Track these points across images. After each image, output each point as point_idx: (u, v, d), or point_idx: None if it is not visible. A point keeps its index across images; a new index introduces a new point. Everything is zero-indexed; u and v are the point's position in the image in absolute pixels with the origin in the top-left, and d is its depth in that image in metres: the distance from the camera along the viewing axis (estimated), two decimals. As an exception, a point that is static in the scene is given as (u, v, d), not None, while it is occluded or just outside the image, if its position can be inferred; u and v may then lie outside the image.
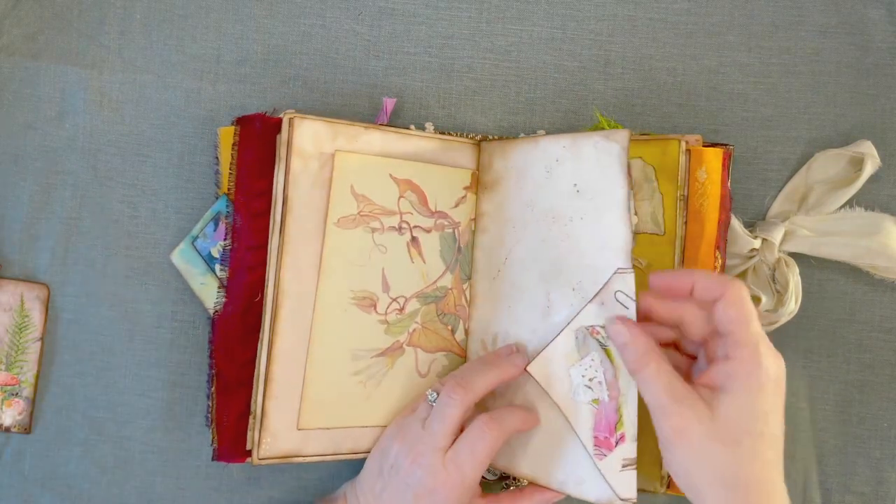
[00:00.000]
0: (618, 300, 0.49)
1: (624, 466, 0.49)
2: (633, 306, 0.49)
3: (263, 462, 0.52)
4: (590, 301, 0.50)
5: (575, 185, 0.52)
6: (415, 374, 0.56)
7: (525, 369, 0.52)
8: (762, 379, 0.43)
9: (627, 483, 0.49)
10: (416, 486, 0.50)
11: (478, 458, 0.49)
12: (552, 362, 0.52)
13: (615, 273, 0.49)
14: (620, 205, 0.50)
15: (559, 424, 0.52)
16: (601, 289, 0.50)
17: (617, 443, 0.49)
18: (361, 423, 0.55)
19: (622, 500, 0.49)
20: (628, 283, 0.49)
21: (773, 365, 0.44)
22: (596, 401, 0.50)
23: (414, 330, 0.56)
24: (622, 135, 0.50)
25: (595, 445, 0.50)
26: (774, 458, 0.44)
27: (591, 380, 0.50)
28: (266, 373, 0.52)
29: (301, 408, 0.53)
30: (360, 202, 0.54)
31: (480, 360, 0.53)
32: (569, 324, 0.51)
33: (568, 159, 0.53)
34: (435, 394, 0.52)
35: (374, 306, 0.55)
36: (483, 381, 0.51)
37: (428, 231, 0.56)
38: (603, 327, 0.50)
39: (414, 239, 0.56)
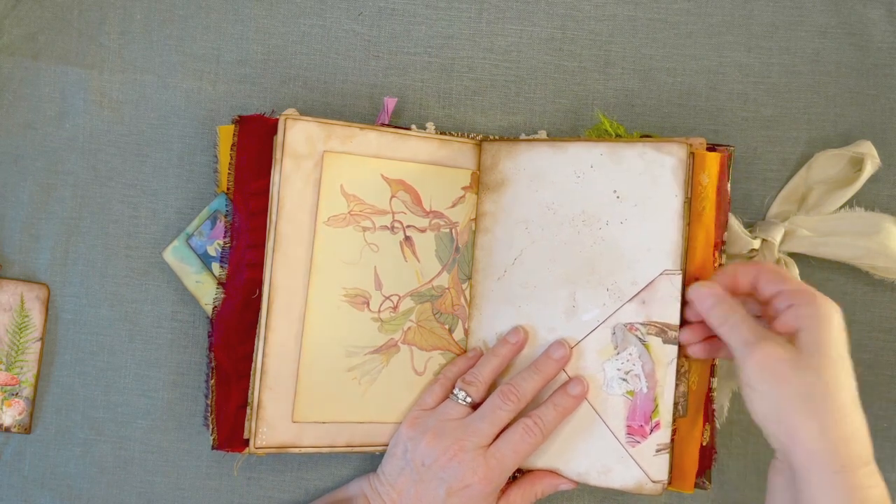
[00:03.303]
0: (663, 300, 0.52)
1: (658, 451, 0.53)
2: (677, 306, 0.52)
3: (260, 451, 0.54)
4: (629, 300, 0.53)
5: (615, 190, 0.54)
6: (411, 371, 0.57)
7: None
8: (826, 313, 0.47)
9: (660, 466, 0.53)
10: (451, 481, 0.52)
11: (519, 457, 0.52)
12: (584, 357, 0.54)
13: (661, 274, 0.52)
14: (675, 212, 0.53)
15: (582, 418, 0.54)
16: (643, 288, 0.53)
17: (652, 430, 0.53)
18: (358, 419, 0.56)
19: (654, 481, 0.53)
20: (675, 283, 0.52)
21: (829, 303, 0.48)
22: (631, 392, 0.53)
23: (409, 328, 0.57)
24: (678, 148, 0.53)
25: (628, 434, 0.53)
26: (850, 382, 0.47)
27: (627, 373, 0.53)
28: (262, 365, 0.54)
29: (295, 401, 0.54)
30: (350, 201, 0.55)
31: (530, 367, 0.54)
32: (604, 321, 0.54)
33: (605, 166, 0.54)
34: (463, 393, 0.54)
35: (367, 304, 0.56)
36: (532, 387, 0.53)
37: (423, 231, 0.57)
38: (642, 324, 0.53)
39: (407, 238, 0.56)
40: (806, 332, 0.47)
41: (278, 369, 0.54)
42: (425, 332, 0.57)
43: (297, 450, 0.55)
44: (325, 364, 0.55)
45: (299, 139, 0.54)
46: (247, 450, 0.54)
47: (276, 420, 0.54)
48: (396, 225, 0.56)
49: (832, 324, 0.47)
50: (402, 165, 0.56)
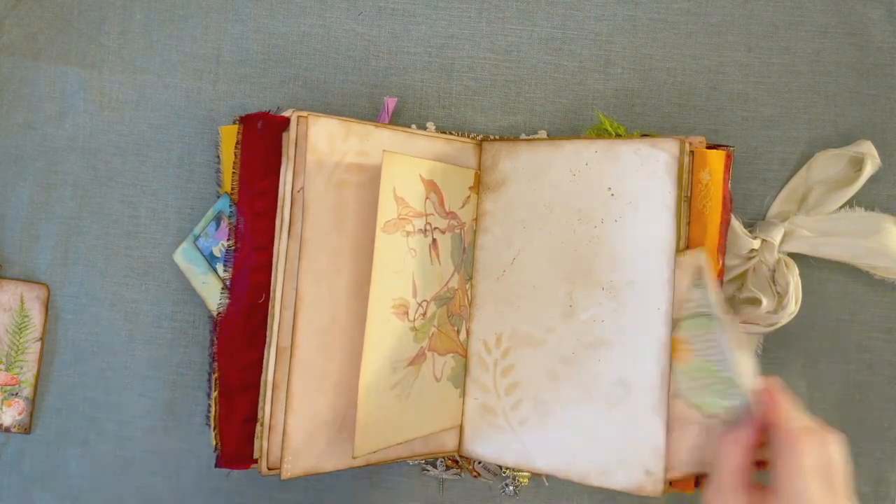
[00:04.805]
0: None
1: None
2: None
3: (273, 473, 0.51)
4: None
5: (609, 188, 0.54)
6: (432, 379, 0.55)
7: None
8: (800, 469, 0.43)
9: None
10: None
11: None
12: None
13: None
14: (669, 209, 0.52)
15: (586, 419, 0.53)
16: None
17: None
18: (397, 440, 0.52)
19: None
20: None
21: (813, 452, 0.44)
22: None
23: (433, 334, 0.54)
24: (672, 144, 0.52)
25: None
26: None
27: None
28: (286, 385, 0.50)
29: (356, 435, 0.49)
30: (399, 205, 0.51)
31: None
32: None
33: (600, 163, 0.54)
34: None
35: (407, 313, 0.52)
36: None
37: (444, 232, 0.55)
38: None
39: (434, 241, 0.54)
40: (772, 495, 0.44)
41: (306, 388, 0.51)
42: (443, 336, 0.55)
43: (317, 472, 0.52)
44: (379, 387, 0.50)
45: (321, 137, 0.51)
46: (254, 467, 0.52)
47: (301, 445, 0.51)
48: (427, 227, 0.53)
49: (801, 483, 0.43)
50: (433, 165, 0.53)
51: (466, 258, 0.57)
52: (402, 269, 0.51)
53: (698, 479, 0.55)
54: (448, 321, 0.56)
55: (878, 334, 0.59)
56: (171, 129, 0.60)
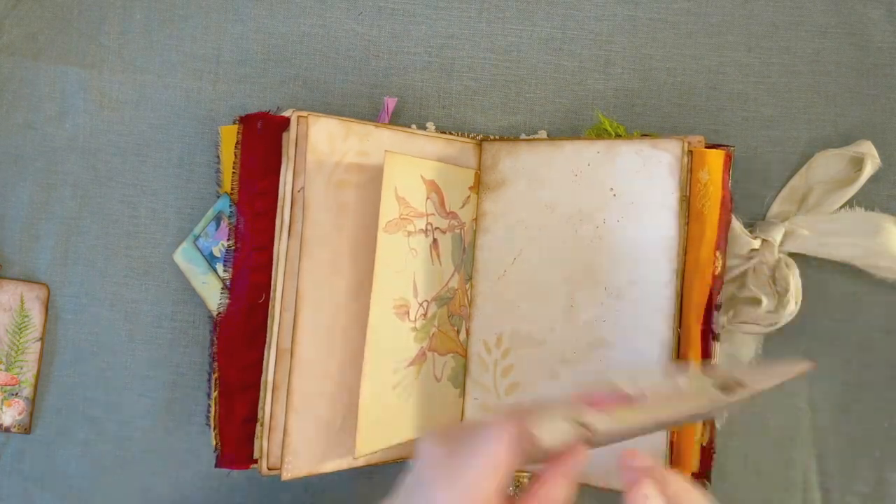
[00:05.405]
0: None
1: None
2: None
3: (273, 473, 0.52)
4: None
5: (611, 188, 0.54)
6: (432, 379, 0.55)
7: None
8: None
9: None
10: None
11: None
12: None
13: None
14: (671, 210, 0.52)
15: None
16: None
17: None
18: (397, 441, 0.52)
19: None
20: None
21: None
22: None
23: (433, 334, 0.54)
24: (674, 144, 0.52)
25: None
26: None
27: None
28: (287, 384, 0.51)
29: (357, 435, 0.49)
30: (401, 205, 0.51)
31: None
32: None
33: (602, 163, 0.54)
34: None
35: (408, 313, 0.52)
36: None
37: (444, 232, 0.55)
38: None
39: (434, 241, 0.54)
40: None
41: (306, 388, 0.51)
42: (443, 337, 0.56)
43: (316, 474, 0.52)
44: (380, 387, 0.50)
45: (321, 137, 0.52)
46: (254, 467, 0.52)
47: (302, 445, 0.51)
48: (428, 227, 0.53)
49: None
50: (434, 166, 0.53)
51: (466, 258, 0.57)
52: (403, 269, 0.51)
53: (696, 479, 0.55)
54: (448, 321, 0.56)
55: (879, 334, 0.59)
56: (171, 129, 0.60)
